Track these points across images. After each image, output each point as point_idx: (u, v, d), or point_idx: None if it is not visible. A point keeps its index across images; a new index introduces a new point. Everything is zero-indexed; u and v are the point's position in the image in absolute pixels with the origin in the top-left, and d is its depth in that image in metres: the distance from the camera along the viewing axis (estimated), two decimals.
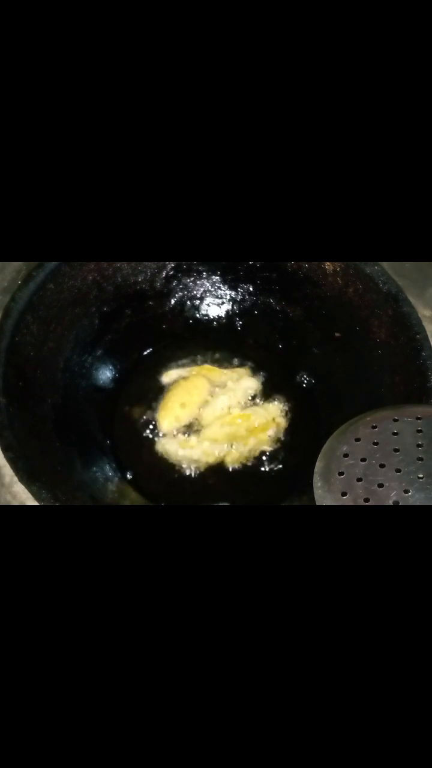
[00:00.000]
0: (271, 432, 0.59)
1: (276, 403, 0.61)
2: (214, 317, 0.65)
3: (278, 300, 0.61)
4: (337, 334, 0.58)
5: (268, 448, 0.58)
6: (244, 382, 0.61)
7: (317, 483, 0.41)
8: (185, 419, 0.59)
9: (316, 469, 0.42)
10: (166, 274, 0.61)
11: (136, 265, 0.59)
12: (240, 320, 0.64)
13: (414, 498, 0.38)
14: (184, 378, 0.61)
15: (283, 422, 0.60)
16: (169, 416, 0.58)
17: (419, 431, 0.42)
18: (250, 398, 0.61)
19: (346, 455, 0.41)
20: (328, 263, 0.55)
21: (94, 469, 0.55)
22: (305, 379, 0.62)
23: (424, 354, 0.48)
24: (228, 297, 0.64)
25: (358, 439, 0.42)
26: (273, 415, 0.60)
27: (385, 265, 0.53)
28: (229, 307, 0.64)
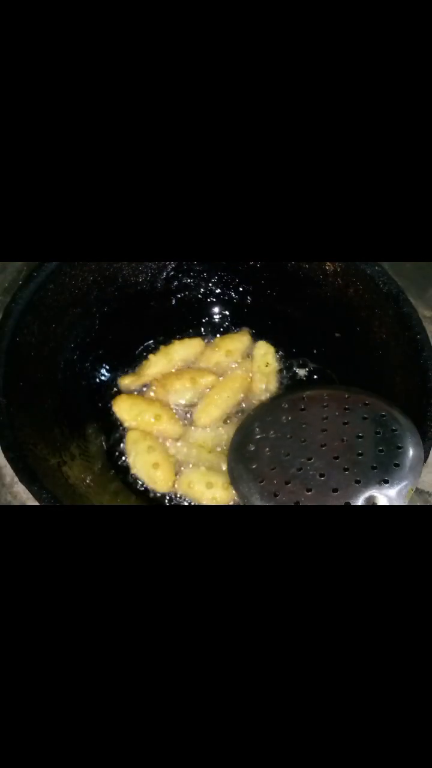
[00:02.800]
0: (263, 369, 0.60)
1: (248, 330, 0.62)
2: (214, 317, 0.65)
3: (278, 300, 0.61)
4: (337, 335, 0.58)
5: None
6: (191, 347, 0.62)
7: (230, 456, 0.49)
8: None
9: (231, 444, 0.50)
10: (167, 274, 0.61)
11: (137, 265, 0.59)
12: (240, 320, 0.64)
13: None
14: (172, 374, 0.60)
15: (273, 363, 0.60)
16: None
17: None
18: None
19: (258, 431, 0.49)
20: (328, 263, 0.55)
21: (95, 468, 0.55)
22: (305, 379, 0.62)
23: (424, 354, 0.48)
24: (228, 297, 0.64)
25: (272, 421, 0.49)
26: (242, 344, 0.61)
27: (386, 265, 0.53)
28: (230, 307, 0.64)
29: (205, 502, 0.54)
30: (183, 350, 0.61)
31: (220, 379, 0.60)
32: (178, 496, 0.55)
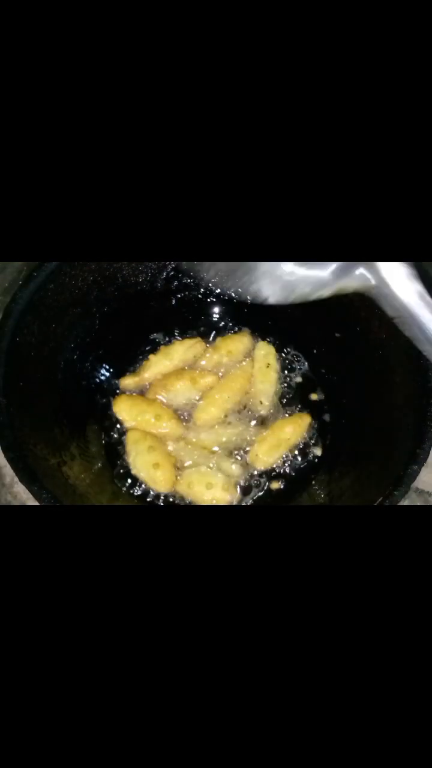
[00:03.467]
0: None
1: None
2: (214, 317, 0.65)
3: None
4: (337, 335, 0.58)
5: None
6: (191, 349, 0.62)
7: None
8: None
9: None
10: (167, 274, 0.61)
11: (137, 265, 0.59)
12: (240, 320, 0.64)
13: None
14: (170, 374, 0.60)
15: (274, 363, 0.61)
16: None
17: None
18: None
19: None
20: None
21: (95, 468, 0.55)
22: (306, 379, 0.62)
23: (424, 354, 0.48)
24: (228, 297, 0.64)
25: None
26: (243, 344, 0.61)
27: None
28: (230, 307, 0.64)
29: (204, 503, 0.54)
30: (183, 350, 0.61)
31: (221, 379, 0.60)
32: (178, 496, 0.55)
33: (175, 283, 0.62)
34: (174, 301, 0.63)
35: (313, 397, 0.61)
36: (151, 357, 0.60)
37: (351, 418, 0.57)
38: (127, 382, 0.60)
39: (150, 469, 0.54)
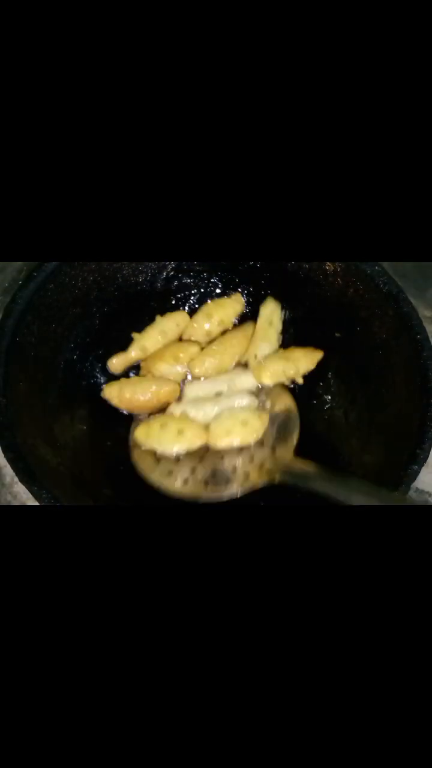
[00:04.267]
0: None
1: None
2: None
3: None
4: (337, 335, 0.58)
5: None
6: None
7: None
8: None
9: None
10: (167, 274, 0.61)
11: (137, 265, 0.59)
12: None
13: None
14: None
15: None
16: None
17: None
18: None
19: None
20: (328, 263, 0.55)
21: (95, 468, 0.55)
22: (305, 379, 0.62)
23: (424, 354, 0.48)
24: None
25: None
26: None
27: (386, 265, 0.53)
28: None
29: (243, 439, 0.53)
30: (172, 325, 0.59)
31: (221, 336, 0.59)
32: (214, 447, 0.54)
33: (175, 283, 0.62)
34: (174, 301, 0.63)
35: None
36: (135, 334, 0.59)
37: (351, 417, 0.57)
38: (115, 362, 0.58)
39: (177, 444, 0.54)
